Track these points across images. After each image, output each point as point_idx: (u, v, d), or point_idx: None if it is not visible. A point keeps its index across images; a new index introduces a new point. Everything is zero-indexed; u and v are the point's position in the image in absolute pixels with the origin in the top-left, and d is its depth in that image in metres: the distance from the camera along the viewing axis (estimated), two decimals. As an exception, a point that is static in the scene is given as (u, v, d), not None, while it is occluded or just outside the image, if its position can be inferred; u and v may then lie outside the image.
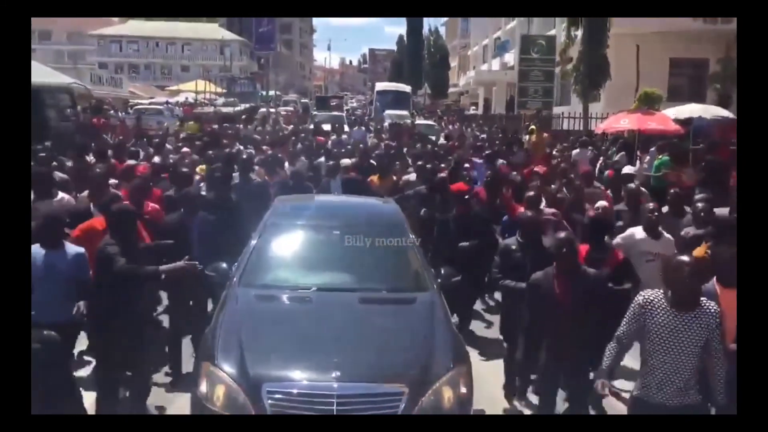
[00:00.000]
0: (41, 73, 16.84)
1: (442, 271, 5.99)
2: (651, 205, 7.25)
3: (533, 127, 20.16)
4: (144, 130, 20.67)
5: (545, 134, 19.30)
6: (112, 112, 22.46)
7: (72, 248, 5.49)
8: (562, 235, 5.57)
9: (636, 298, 4.19)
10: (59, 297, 5.23)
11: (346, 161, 11.32)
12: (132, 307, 5.31)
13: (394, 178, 10.76)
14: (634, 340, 4.22)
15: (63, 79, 20.46)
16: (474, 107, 53.23)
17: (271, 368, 4.55)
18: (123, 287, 5.21)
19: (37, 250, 5.14)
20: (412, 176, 10.83)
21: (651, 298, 4.08)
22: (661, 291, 4.06)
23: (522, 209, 7.52)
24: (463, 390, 4.66)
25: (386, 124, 27.24)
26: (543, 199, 8.12)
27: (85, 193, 7.74)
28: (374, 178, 10.49)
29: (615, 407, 5.84)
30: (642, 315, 4.08)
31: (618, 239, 6.72)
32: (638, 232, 6.78)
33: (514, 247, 6.30)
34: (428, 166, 11.06)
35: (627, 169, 11.28)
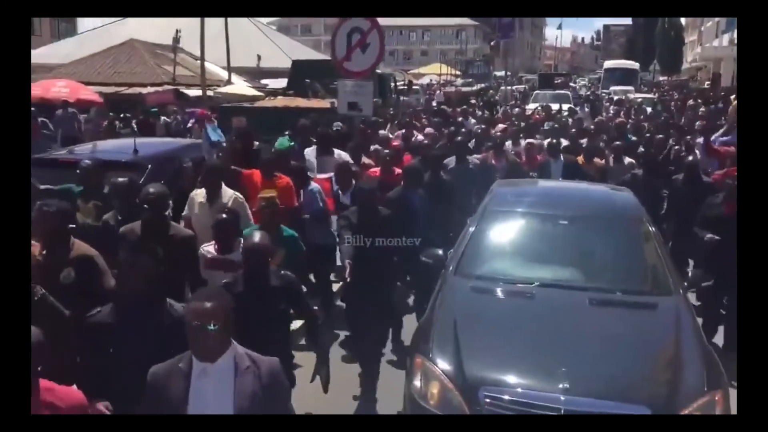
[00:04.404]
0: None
1: (690, 273, 4.78)
2: None
3: (732, 96, 18.49)
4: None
5: None
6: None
7: None
8: None
9: None
10: None
11: (564, 142, 9.75)
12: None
13: (599, 161, 8.97)
14: None
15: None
16: (709, 82, 47.99)
17: (489, 371, 3.81)
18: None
19: None
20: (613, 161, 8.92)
21: None
22: None
23: None
24: (721, 422, 3.58)
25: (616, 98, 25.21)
26: None
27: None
28: (579, 158, 8.88)
29: None
30: None
31: None
32: None
33: None
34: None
35: None
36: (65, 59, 24.57)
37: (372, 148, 8.96)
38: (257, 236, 3.99)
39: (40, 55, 28.31)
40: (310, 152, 8.11)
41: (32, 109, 15.24)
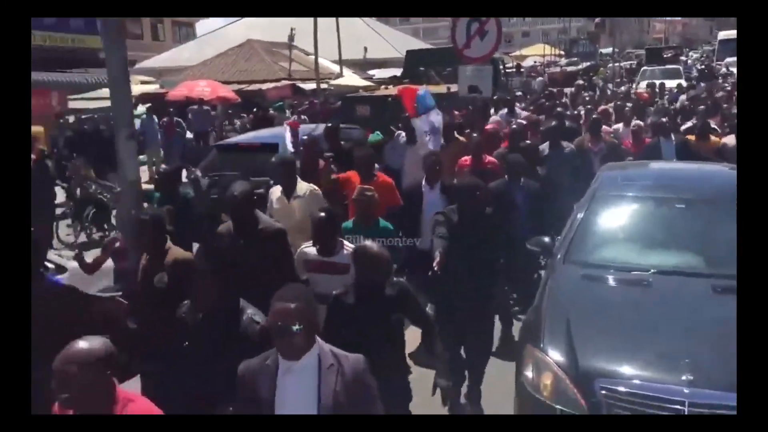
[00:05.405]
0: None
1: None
2: None
3: None
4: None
5: None
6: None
7: None
8: None
9: None
10: None
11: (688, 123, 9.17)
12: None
13: (715, 139, 8.19)
14: None
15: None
16: None
17: (605, 361, 3.58)
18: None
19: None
20: (730, 139, 7.80)
21: None
22: None
23: None
24: None
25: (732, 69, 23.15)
26: None
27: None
28: (691, 137, 8.14)
29: None
30: None
31: None
32: None
33: None
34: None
35: None
36: (187, 62, 25.93)
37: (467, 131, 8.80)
38: (375, 246, 3.68)
39: (165, 59, 30.05)
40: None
41: (170, 109, 16.33)
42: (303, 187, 5.55)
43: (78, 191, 10.69)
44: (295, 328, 2.53)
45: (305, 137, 6.99)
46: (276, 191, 5.59)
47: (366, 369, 2.72)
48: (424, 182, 6.13)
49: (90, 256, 5.24)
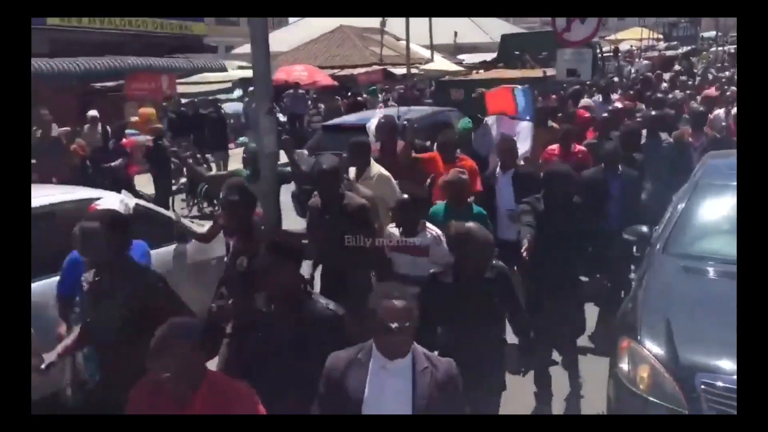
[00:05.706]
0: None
1: None
2: None
3: None
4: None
5: None
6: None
7: None
8: None
9: None
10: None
11: None
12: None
13: None
14: None
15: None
16: None
17: (707, 356, 3.45)
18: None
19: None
20: None
21: None
22: None
23: None
24: None
25: None
26: None
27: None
28: None
29: None
30: None
31: None
32: None
33: None
34: None
35: None
36: (280, 47, 26.40)
37: (560, 114, 8.58)
38: (480, 229, 3.58)
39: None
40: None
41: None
42: (373, 170, 5.42)
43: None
44: (406, 326, 2.50)
45: (383, 119, 6.94)
46: (352, 172, 5.54)
47: (458, 373, 2.68)
48: (498, 167, 5.98)
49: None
